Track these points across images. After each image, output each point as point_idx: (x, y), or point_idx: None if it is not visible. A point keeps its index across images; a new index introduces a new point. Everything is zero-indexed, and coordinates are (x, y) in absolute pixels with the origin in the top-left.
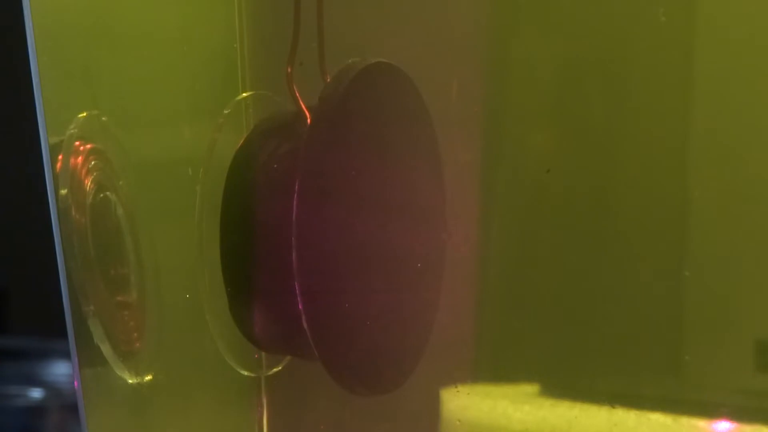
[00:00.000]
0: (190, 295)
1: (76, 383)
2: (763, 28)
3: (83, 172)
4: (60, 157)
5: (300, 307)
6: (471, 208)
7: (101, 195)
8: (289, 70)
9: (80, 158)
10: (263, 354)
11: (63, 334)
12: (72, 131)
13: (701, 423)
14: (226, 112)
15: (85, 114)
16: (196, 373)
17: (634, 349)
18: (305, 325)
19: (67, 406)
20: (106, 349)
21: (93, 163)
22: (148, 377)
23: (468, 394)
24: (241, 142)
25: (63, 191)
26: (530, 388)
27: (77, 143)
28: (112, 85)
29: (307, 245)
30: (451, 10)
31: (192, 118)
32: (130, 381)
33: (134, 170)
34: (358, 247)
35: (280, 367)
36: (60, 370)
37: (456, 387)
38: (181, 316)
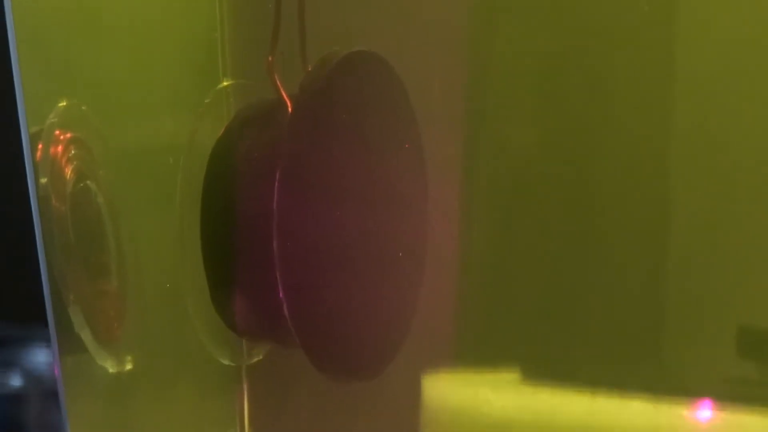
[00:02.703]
0: (170, 283)
1: (56, 371)
2: (746, 21)
3: (63, 161)
4: (40, 146)
5: (281, 295)
6: (453, 199)
7: (81, 184)
8: (270, 59)
9: (60, 147)
10: (244, 343)
11: (43, 321)
12: (52, 120)
13: (683, 410)
14: (206, 101)
15: (65, 103)
16: (177, 362)
17: (616, 337)
18: (286, 313)
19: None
20: (86, 336)
21: (73, 152)
22: (129, 365)
23: (449, 381)
24: (222, 130)
25: (43, 180)
26: (511, 376)
27: (57, 132)
28: (92, 74)
29: (288, 234)
30: (433, 3)
31: (172, 107)
32: (111, 369)
33: (115, 159)
34: (339, 235)
35: (261, 356)
36: (40, 358)
37: (438, 374)
38: (161, 304)
